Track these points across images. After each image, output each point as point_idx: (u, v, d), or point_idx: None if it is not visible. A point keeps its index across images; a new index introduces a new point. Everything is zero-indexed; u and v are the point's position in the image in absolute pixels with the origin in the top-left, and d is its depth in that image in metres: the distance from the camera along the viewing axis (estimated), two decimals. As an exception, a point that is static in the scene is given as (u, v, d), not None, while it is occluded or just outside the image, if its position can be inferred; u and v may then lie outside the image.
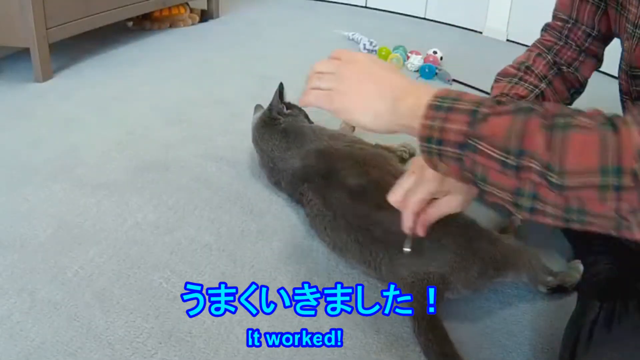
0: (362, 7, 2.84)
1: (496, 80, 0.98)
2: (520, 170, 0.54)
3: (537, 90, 0.93)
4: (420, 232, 0.78)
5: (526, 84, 0.94)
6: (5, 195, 1.07)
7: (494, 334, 0.81)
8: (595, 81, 1.05)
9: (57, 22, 1.59)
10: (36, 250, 0.92)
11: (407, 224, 0.77)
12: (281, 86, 1.18)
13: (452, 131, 0.58)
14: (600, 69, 1.03)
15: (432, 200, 0.76)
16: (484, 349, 0.78)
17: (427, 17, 2.67)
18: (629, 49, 0.77)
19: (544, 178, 0.53)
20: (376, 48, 2.06)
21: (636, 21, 0.74)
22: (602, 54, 0.97)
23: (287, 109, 1.17)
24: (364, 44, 2.10)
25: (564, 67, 0.96)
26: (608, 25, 0.91)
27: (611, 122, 0.52)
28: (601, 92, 0.90)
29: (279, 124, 1.13)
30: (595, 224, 0.53)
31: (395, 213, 0.78)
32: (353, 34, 2.20)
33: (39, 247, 0.93)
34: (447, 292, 0.83)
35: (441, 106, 0.60)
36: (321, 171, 1.00)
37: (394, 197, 0.76)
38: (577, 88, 0.99)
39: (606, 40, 0.95)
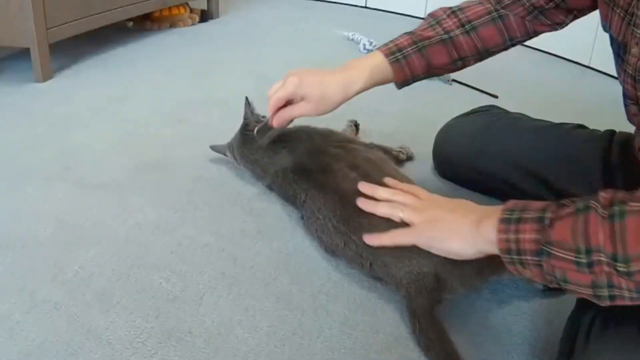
0: (362, 7, 2.84)
1: (425, 18, 1.03)
2: (593, 266, 0.58)
3: (445, 36, 0.97)
4: (274, 123, 0.95)
5: (438, 28, 0.98)
6: (5, 195, 1.07)
7: (494, 333, 0.81)
8: (595, 81, 1.05)
9: (57, 22, 1.59)
10: (36, 250, 0.92)
11: (268, 112, 0.95)
12: (247, 100, 1.16)
13: (526, 241, 0.64)
14: (603, 70, 1.02)
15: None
16: (483, 348, 0.79)
17: (427, 17, 2.67)
18: (638, 54, 0.77)
19: (613, 268, 0.57)
20: (376, 48, 2.06)
21: None
22: (565, 22, 0.96)
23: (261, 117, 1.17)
24: (364, 44, 2.10)
25: (510, 16, 0.97)
26: (583, 4, 0.91)
27: None
28: (601, 92, 0.90)
29: (249, 134, 1.12)
30: None
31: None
32: (353, 34, 2.20)
33: (39, 247, 0.93)
34: (444, 292, 0.83)
35: (510, 219, 0.66)
36: (313, 172, 0.99)
37: (271, 89, 0.95)
38: (519, 36, 0.99)
39: (572, 14, 0.95)
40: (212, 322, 0.80)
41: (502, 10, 0.98)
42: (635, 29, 0.75)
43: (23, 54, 1.66)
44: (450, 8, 1.00)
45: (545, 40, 1.08)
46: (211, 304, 0.83)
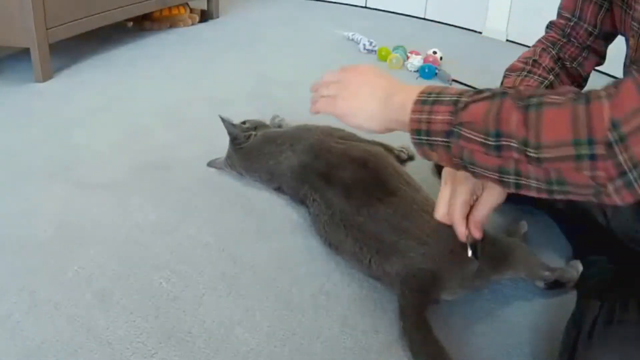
0: (362, 7, 2.84)
1: (505, 76, 1.00)
2: (501, 150, 0.59)
3: (546, 81, 0.95)
4: (476, 234, 0.77)
5: (535, 76, 0.96)
6: (5, 195, 1.07)
7: (494, 334, 0.81)
8: (595, 81, 1.05)
9: (57, 22, 1.59)
10: (36, 250, 0.92)
11: (461, 231, 0.77)
12: (221, 118, 1.13)
13: (438, 121, 0.64)
14: (601, 69, 1.03)
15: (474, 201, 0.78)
16: (484, 349, 0.79)
17: (427, 17, 2.67)
18: (634, 45, 0.77)
19: (522, 154, 0.57)
20: (376, 48, 2.06)
21: None
22: (605, 52, 0.98)
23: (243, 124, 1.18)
24: (364, 44, 2.10)
25: (567, 63, 0.98)
26: (612, 24, 0.92)
27: (585, 97, 0.55)
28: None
29: (249, 137, 1.13)
30: (576, 193, 0.57)
31: (389, 208, 0.87)
32: (353, 34, 2.20)
33: (39, 247, 0.93)
34: (443, 292, 0.83)
35: (427, 100, 0.66)
36: (319, 170, 1.00)
37: (439, 212, 0.78)
38: (579, 83, 1.00)
39: (609, 38, 0.96)
40: (212, 322, 0.80)
41: (561, 54, 0.98)
42: (633, 22, 0.76)
43: (23, 54, 1.66)
44: (525, 59, 0.99)
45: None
46: (211, 304, 0.83)
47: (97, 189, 1.10)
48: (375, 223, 0.88)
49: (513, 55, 1.06)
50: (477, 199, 0.77)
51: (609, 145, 0.52)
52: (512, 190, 0.61)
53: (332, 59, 2.02)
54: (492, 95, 0.62)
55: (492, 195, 0.77)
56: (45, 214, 1.01)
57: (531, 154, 0.56)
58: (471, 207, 0.77)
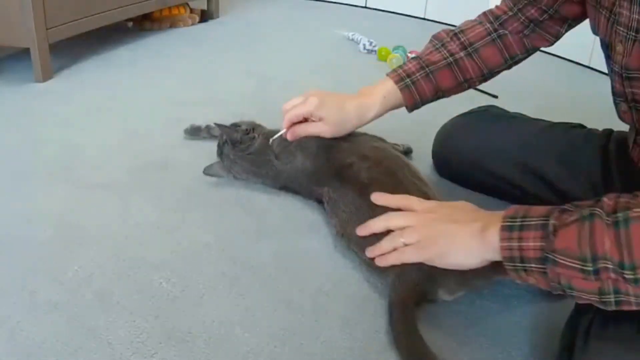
0: (362, 7, 2.84)
1: (429, 40, 1.08)
2: (599, 273, 0.58)
3: (450, 59, 1.03)
4: (289, 136, 0.99)
5: (444, 51, 1.04)
6: (5, 195, 1.07)
7: (494, 334, 0.81)
8: (595, 81, 1.05)
9: (57, 22, 1.59)
10: (36, 250, 0.92)
11: (284, 125, 0.98)
12: (217, 125, 1.12)
13: (530, 248, 0.64)
14: (603, 70, 1.04)
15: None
16: (483, 349, 0.79)
17: (427, 17, 2.67)
18: (623, 51, 0.78)
19: (619, 275, 0.57)
20: (376, 48, 2.07)
21: (630, 24, 0.74)
22: (560, 32, 1.01)
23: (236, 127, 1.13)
24: (364, 44, 2.10)
25: (508, 35, 1.02)
26: (575, 13, 0.95)
27: None
28: (601, 92, 0.90)
29: (253, 138, 1.10)
30: None
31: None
32: (353, 34, 2.21)
33: (39, 247, 0.93)
34: (441, 291, 0.83)
35: (513, 226, 0.66)
36: (333, 168, 1.01)
37: (285, 105, 0.99)
38: (519, 54, 1.04)
39: (566, 23, 0.99)
40: (212, 322, 0.80)
41: (500, 30, 1.02)
42: (619, 27, 0.77)
43: (23, 54, 1.66)
44: (452, 30, 1.06)
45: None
46: (211, 304, 0.83)
47: (97, 189, 1.10)
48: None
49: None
50: None
51: None
52: (613, 308, 0.60)
53: (332, 59, 2.02)
54: (581, 217, 0.61)
55: (320, 127, 0.99)
56: (45, 214, 1.02)
57: (628, 276, 0.56)
58: None
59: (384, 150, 1.05)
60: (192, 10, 2.35)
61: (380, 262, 0.83)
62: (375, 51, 2.06)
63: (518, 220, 0.66)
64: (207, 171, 1.13)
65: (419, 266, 0.81)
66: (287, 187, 1.10)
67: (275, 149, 1.08)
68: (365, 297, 0.87)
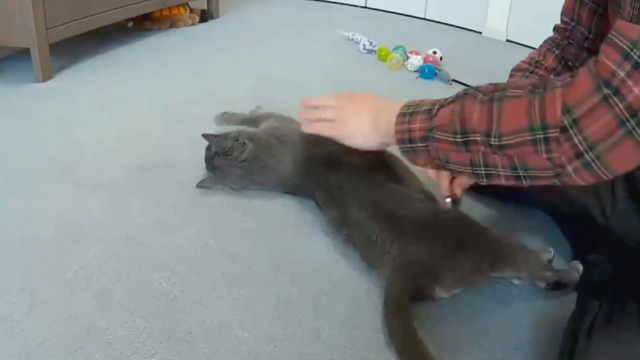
0: (362, 7, 2.84)
1: (511, 75, 1.06)
2: (469, 145, 0.66)
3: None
4: (457, 192, 0.95)
5: (537, 77, 1.01)
6: (5, 195, 1.07)
7: (494, 334, 0.81)
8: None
9: (57, 22, 1.59)
10: (36, 250, 0.92)
11: (444, 186, 0.94)
12: (205, 136, 1.09)
13: (416, 129, 0.73)
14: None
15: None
16: (484, 349, 0.79)
17: (427, 17, 2.67)
18: None
19: (487, 145, 0.64)
20: (376, 48, 2.06)
21: (630, 19, 0.74)
22: None
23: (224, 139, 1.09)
24: (364, 44, 2.10)
25: (570, 63, 1.01)
26: (608, 25, 0.92)
27: (542, 87, 0.61)
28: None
29: (243, 144, 1.07)
30: (540, 176, 0.63)
31: (394, 195, 0.93)
32: (353, 34, 2.20)
33: (39, 247, 0.93)
34: (438, 287, 0.83)
35: (406, 113, 0.76)
36: (324, 159, 1.02)
37: (429, 174, 0.95)
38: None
39: None
40: (212, 322, 0.80)
41: (563, 53, 1.01)
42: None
43: (23, 54, 1.66)
44: (530, 59, 1.03)
45: (545, 41, 1.09)
46: (211, 304, 0.83)
47: (97, 189, 1.10)
48: (385, 200, 0.91)
49: (513, 55, 1.07)
50: None
51: (563, 129, 0.58)
52: (484, 181, 0.68)
53: (332, 59, 2.02)
54: (456, 97, 0.70)
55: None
56: (45, 214, 1.01)
57: (494, 143, 0.63)
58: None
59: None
60: (192, 10, 2.35)
61: (305, 128, 0.95)
62: (375, 51, 2.06)
63: (412, 108, 0.76)
64: (201, 185, 1.10)
65: (417, 262, 0.82)
66: (289, 188, 1.10)
67: (267, 153, 1.08)
68: (365, 297, 0.87)
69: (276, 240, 0.99)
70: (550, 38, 1.05)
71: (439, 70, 1.83)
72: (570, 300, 0.78)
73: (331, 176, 1.00)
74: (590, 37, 0.96)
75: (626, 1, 0.75)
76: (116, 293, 0.84)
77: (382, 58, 2.00)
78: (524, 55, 1.07)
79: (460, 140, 0.67)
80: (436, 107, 0.71)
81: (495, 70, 1.07)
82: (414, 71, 1.88)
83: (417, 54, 1.93)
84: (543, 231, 1.05)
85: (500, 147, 0.63)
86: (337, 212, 0.97)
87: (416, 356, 0.74)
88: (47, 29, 1.56)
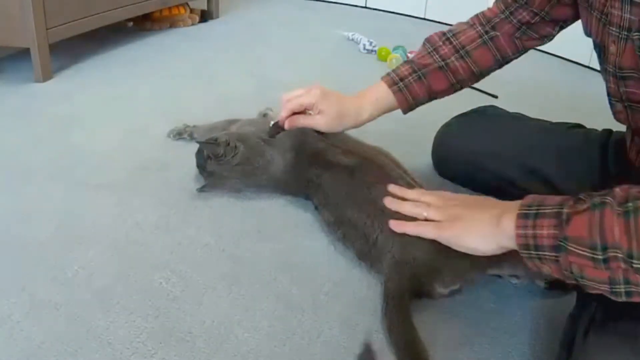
0: (362, 7, 2.84)
1: (422, 44, 1.09)
2: (609, 262, 0.58)
3: (442, 63, 1.04)
4: (287, 125, 0.98)
5: (436, 56, 1.04)
6: (5, 195, 1.07)
7: (494, 334, 0.81)
8: (595, 81, 1.06)
9: (57, 22, 1.59)
10: (36, 250, 0.92)
11: (283, 113, 0.97)
12: (199, 142, 1.09)
13: (544, 236, 0.64)
14: (594, 67, 1.04)
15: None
16: (483, 349, 0.79)
17: (427, 17, 2.67)
18: (616, 51, 0.78)
19: (629, 265, 0.57)
20: (376, 48, 2.07)
21: (622, 23, 0.75)
22: (552, 34, 1.02)
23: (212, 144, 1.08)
24: (364, 44, 2.10)
25: (499, 36, 1.04)
26: (566, 15, 0.96)
27: None
28: (601, 92, 0.90)
29: (235, 148, 1.06)
30: None
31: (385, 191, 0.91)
32: (353, 34, 2.21)
33: (39, 247, 0.93)
34: (437, 284, 0.83)
35: (529, 214, 0.67)
36: (318, 158, 1.02)
37: (285, 95, 0.98)
38: (510, 54, 1.06)
39: (558, 25, 1.00)
40: (212, 322, 0.80)
41: (491, 32, 1.04)
42: (611, 27, 0.77)
43: (23, 54, 1.66)
44: (444, 34, 1.07)
45: (545, 40, 1.09)
46: (211, 304, 0.83)
47: (97, 189, 1.10)
48: (380, 198, 0.91)
49: (513, 55, 1.07)
50: None
51: None
52: (624, 299, 0.60)
53: (332, 59, 2.02)
54: (592, 205, 0.61)
55: (317, 120, 0.98)
56: (45, 214, 1.02)
57: (637, 266, 0.56)
58: None
59: (357, 140, 1.08)
60: (192, 10, 2.35)
61: (396, 227, 0.85)
62: (375, 51, 2.06)
63: (534, 208, 0.67)
64: (202, 190, 1.09)
65: (415, 258, 0.82)
66: (282, 188, 1.10)
67: (258, 154, 1.07)
68: (365, 297, 0.87)
69: (276, 240, 0.99)
70: (484, 11, 1.08)
71: (439, 70, 1.83)
72: (570, 300, 0.78)
73: (324, 176, 1.00)
74: (542, 14, 0.98)
75: (614, 6, 0.75)
76: (116, 293, 0.84)
77: (382, 58, 2.00)
78: (524, 55, 1.07)
79: (600, 257, 0.59)
80: (565, 210, 0.64)
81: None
82: (414, 71, 1.88)
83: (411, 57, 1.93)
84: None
85: None
86: (332, 211, 0.97)
87: (414, 354, 0.74)
88: (47, 29, 1.56)
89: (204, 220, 1.03)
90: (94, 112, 1.45)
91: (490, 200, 0.81)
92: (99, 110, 1.46)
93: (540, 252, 0.65)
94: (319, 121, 0.99)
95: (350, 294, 0.87)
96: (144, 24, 2.19)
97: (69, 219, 1.01)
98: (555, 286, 0.88)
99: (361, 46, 2.11)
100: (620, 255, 0.57)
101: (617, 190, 0.61)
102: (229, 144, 1.06)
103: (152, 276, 0.88)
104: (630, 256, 0.57)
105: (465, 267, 0.83)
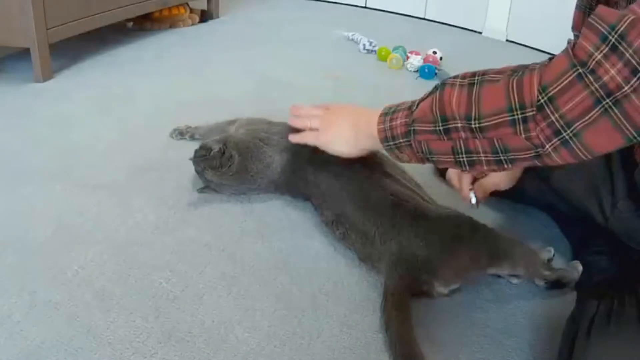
0: (362, 7, 2.84)
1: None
2: (449, 132, 0.67)
3: None
4: (480, 196, 0.95)
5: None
6: (5, 195, 1.07)
7: (494, 334, 0.81)
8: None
9: (57, 22, 1.59)
10: (36, 250, 0.92)
11: (465, 193, 0.95)
12: (194, 157, 1.07)
13: (398, 125, 0.74)
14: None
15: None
16: (483, 349, 0.79)
17: (427, 17, 2.67)
18: None
19: (467, 130, 0.65)
20: (376, 48, 2.06)
21: None
22: None
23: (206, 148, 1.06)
24: (364, 44, 2.10)
25: None
26: None
27: (521, 71, 0.62)
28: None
29: (230, 157, 1.05)
30: (520, 158, 0.63)
31: (390, 185, 0.95)
32: (353, 34, 2.20)
33: (39, 247, 0.93)
34: (437, 281, 0.83)
35: (388, 112, 0.78)
36: (313, 158, 1.01)
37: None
38: None
39: None
40: (212, 322, 0.80)
41: None
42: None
43: (23, 54, 1.66)
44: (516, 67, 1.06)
45: (545, 41, 1.09)
46: (211, 304, 0.83)
47: (97, 189, 1.10)
48: (379, 197, 0.92)
49: (513, 55, 1.07)
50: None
51: (540, 107, 0.58)
52: (467, 169, 0.68)
53: (332, 59, 2.02)
54: (435, 88, 0.71)
55: (493, 177, 0.95)
56: (45, 214, 1.01)
57: (474, 126, 0.63)
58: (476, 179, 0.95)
59: None
60: (192, 10, 2.35)
61: (291, 138, 0.98)
62: (375, 51, 2.06)
63: (393, 107, 0.77)
64: (202, 191, 1.09)
65: (415, 256, 0.83)
66: (281, 189, 1.10)
67: (253, 159, 1.06)
68: (365, 297, 0.87)
69: (276, 240, 0.99)
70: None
71: (439, 70, 1.83)
72: (570, 300, 0.78)
73: (321, 175, 1.00)
74: None
75: (620, 4, 0.76)
76: (116, 293, 0.84)
77: (382, 58, 2.00)
78: (524, 55, 1.08)
79: (441, 128, 0.67)
80: (417, 102, 0.73)
81: (495, 70, 1.07)
82: (414, 71, 1.88)
83: (417, 54, 1.93)
84: (543, 231, 1.05)
85: (481, 130, 0.63)
86: (331, 211, 0.97)
87: (408, 352, 0.74)
88: (47, 29, 1.56)
89: (204, 220, 1.03)
90: (94, 112, 1.45)
91: (356, 108, 0.90)
92: (98, 110, 1.46)
93: (397, 141, 0.75)
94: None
95: (350, 294, 0.87)
96: (144, 24, 2.19)
97: (69, 219, 1.01)
98: (555, 286, 0.88)
99: (361, 46, 2.11)
100: (459, 124, 0.65)
101: (467, 72, 0.68)
102: (223, 154, 1.04)
103: (152, 276, 0.88)
104: (468, 118, 0.64)
105: (466, 265, 0.83)
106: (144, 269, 0.89)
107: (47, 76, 1.61)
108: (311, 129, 0.95)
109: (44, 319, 0.78)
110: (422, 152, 0.72)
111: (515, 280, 0.90)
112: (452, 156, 0.68)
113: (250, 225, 1.03)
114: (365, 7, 2.84)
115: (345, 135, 0.87)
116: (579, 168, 1.00)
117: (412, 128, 0.72)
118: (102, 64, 1.81)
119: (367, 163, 0.98)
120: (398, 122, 0.74)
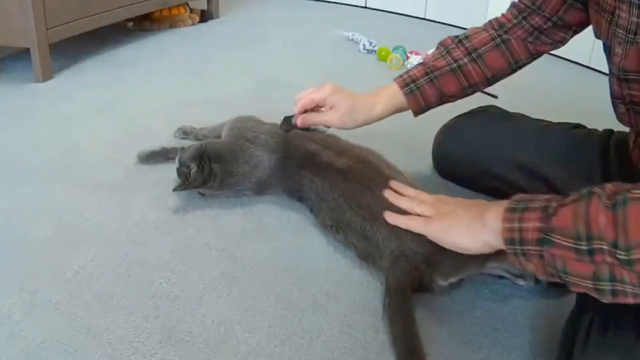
0: (362, 7, 2.84)
1: (436, 47, 1.10)
2: (594, 254, 0.57)
3: (454, 65, 1.04)
4: (299, 123, 0.99)
5: (449, 58, 1.05)
6: (5, 195, 1.07)
7: (494, 334, 0.81)
8: (595, 81, 1.05)
9: (57, 22, 1.59)
10: (36, 250, 0.92)
11: (296, 110, 0.99)
12: (177, 186, 1.04)
13: (530, 229, 0.62)
14: (603, 70, 1.05)
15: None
16: (483, 348, 0.79)
17: (427, 17, 2.67)
18: (621, 53, 0.79)
19: (614, 257, 0.55)
20: (376, 48, 2.07)
21: (629, 26, 0.75)
22: (565, 39, 1.03)
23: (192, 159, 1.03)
24: (364, 44, 2.10)
25: (512, 40, 1.04)
26: (579, 19, 0.97)
27: None
28: (601, 92, 0.90)
29: (211, 171, 1.03)
30: None
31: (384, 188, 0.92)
32: (353, 34, 2.21)
33: (39, 247, 0.93)
34: (437, 276, 0.83)
35: (517, 208, 0.65)
36: (309, 161, 1.02)
37: (298, 94, 1.00)
38: (523, 59, 1.06)
39: (571, 30, 1.00)
40: (212, 322, 0.80)
41: (504, 35, 1.04)
42: (618, 29, 0.78)
43: (23, 54, 1.66)
44: (457, 36, 1.07)
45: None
46: (211, 304, 0.83)
47: (97, 189, 1.10)
48: (376, 201, 0.91)
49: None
50: None
51: None
52: (610, 299, 0.58)
53: (332, 59, 2.02)
54: (580, 195, 0.60)
55: (330, 115, 0.99)
56: (45, 214, 1.02)
57: (621, 257, 0.54)
58: None
59: (347, 142, 1.07)
60: (192, 10, 2.35)
61: (389, 218, 0.86)
62: (375, 51, 2.06)
63: (522, 203, 0.66)
64: (200, 193, 1.09)
65: (415, 251, 0.83)
66: (272, 189, 1.09)
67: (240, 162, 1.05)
68: (365, 297, 0.87)
69: (276, 240, 0.99)
70: (499, 16, 1.08)
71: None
72: (570, 300, 0.78)
73: (317, 179, 0.99)
74: (554, 20, 0.98)
75: (622, 8, 0.76)
76: (116, 293, 0.84)
77: (382, 58, 2.00)
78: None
79: (584, 247, 0.57)
80: (553, 204, 0.62)
81: (495, 70, 1.07)
82: (414, 71, 1.88)
83: (417, 54, 1.93)
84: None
85: (629, 263, 0.54)
86: (329, 214, 0.97)
87: (411, 348, 0.74)
88: (47, 29, 1.56)
89: (204, 220, 1.03)
90: (94, 112, 1.45)
91: (482, 201, 0.80)
92: (99, 110, 1.46)
93: (525, 247, 0.63)
94: (331, 117, 1.00)
95: (350, 294, 0.87)
96: (144, 24, 2.19)
97: (69, 219, 1.01)
98: (556, 285, 0.88)
99: (361, 46, 2.11)
100: (605, 247, 0.55)
101: (609, 185, 0.60)
102: (203, 169, 1.01)
103: (152, 276, 0.88)
104: (615, 246, 0.54)
105: (464, 260, 0.83)
106: (144, 269, 0.89)
107: (47, 76, 1.61)
108: (418, 215, 0.84)
109: (44, 319, 0.78)
110: (555, 268, 0.61)
111: (522, 282, 0.89)
112: (591, 282, 0.58)
113: (250, 225, 1.03)
114: (365, 7, 2.84)
115: (468, 226, 0.75)
116: (577, 166, 1.01)
117: (547, 237, 0.60)
118: (102, 64, 1.81)
119: (363, 167, 0.98)
120: (530, 224, 0.62)
